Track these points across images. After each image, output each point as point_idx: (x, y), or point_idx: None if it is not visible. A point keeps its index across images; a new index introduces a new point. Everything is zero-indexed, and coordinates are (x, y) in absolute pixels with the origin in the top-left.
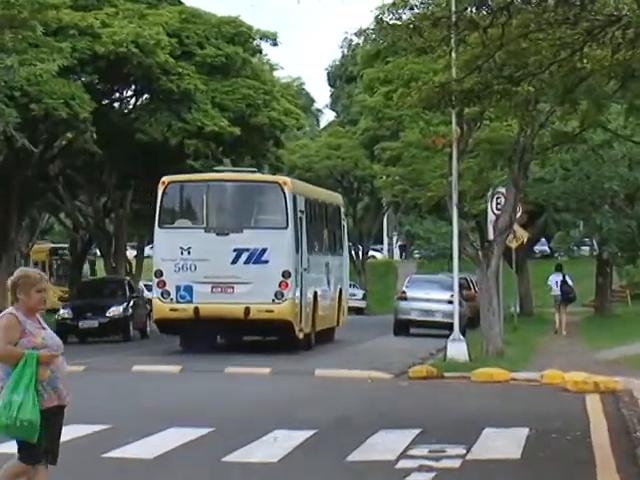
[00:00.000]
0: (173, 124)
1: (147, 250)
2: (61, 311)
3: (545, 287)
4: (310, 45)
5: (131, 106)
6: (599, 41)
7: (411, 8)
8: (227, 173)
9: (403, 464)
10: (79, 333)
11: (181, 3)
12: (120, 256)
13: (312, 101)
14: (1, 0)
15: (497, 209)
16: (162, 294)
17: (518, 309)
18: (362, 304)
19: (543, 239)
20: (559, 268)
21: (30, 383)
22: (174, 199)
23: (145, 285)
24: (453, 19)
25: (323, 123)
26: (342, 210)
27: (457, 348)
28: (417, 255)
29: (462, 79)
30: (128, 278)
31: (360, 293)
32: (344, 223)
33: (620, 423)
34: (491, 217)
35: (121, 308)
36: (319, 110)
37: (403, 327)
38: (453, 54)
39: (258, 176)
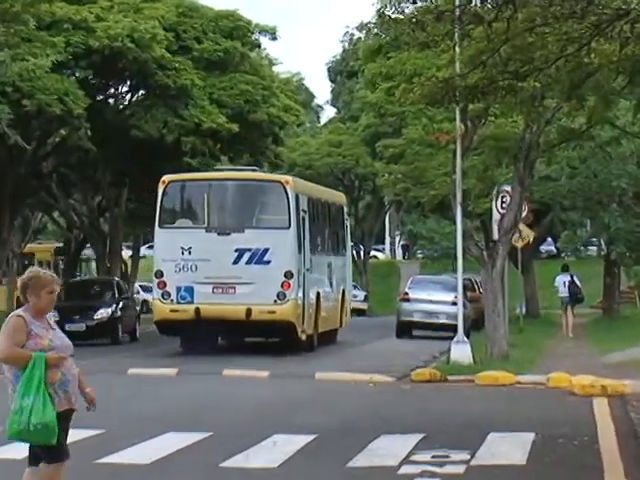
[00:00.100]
0: (169, 121)
1: (143, 250)
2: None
3: (552, 288)
4: (310, 39)
5: (126, 102)
6: (607, 35)
7: (414, 1)
8: (229, 172)
9: (405, 470)
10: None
11: None
12: (115, 256)
13: (312, 97)
14: None
15: (502, 208)
16: (162, 295)
17: (524, 310)
18: (363, 305)
19: (549, 239)
20: (566, 268)
21: (40, 385)
22: (175, 198)
23: (141, 286)
24: (457, 13)
25: (323, 119)
26: (345, 210)
27: (461, 351)
28: (420, 255)
29: (466, 74)
30: (117, 279)
31: (361, 294)
32: (347, 223)
33: (628, 427)
34: (496, 216)
35: (109, 310)
36: (319, 106)
37: (406, 329)
38: (457, 49)
39: (260, 175)
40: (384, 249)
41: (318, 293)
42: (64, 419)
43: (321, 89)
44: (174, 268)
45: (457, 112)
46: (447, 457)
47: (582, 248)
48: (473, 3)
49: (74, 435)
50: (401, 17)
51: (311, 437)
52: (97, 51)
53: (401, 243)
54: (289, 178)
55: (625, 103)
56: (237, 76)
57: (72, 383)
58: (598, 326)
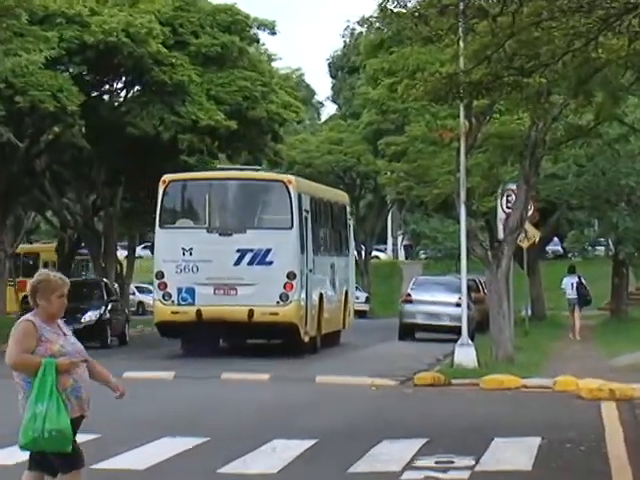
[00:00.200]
0: (166, 118)
1: (139, 250)
2: None
3: (559, 291)
4: (310, 34)
5: (122, 98)
6: (615, 30)
7: None
8: (230, 171)
9: (408, 476)
10: None
11: None
12: (110, 257)
13: (312, 93)
14: None
15: (507, 207)
16: (163, 296)
17: (529, 312)
18: (365, 307)
19: (556, 239)
20: (572, 270)
21: (52, 391)
22: (175, 198)
23: (137, 287)
24: (461, 7)
25: (324, 116)
26: (348, 209)
27: (465, 353)
28: (423, 256)
29: (470, 70)
30: (106, 280)
31: (363, 295)
32: (350, 223)
33: (637, 432)
34: (501, 215)
35: (97, 313)
36: (320, 103)
37: (408, 331)
38: (461, 44)
39: (262, 174)
40: (386, 249)
41: (321, 294)
42: (75, 426)
43: (321, 85)
44: (175, 269)
45: (461, 109)
46: (451, 462)
47: (589, 248)
48: None
49: None
50: (404, 11)
51: (312, 442)
52: (91, 46)
53: (403, 243)
54: (292, 177)
55: (634, 99)
56: (235, 72)
57: (84, 389)
58: (606, 328)
